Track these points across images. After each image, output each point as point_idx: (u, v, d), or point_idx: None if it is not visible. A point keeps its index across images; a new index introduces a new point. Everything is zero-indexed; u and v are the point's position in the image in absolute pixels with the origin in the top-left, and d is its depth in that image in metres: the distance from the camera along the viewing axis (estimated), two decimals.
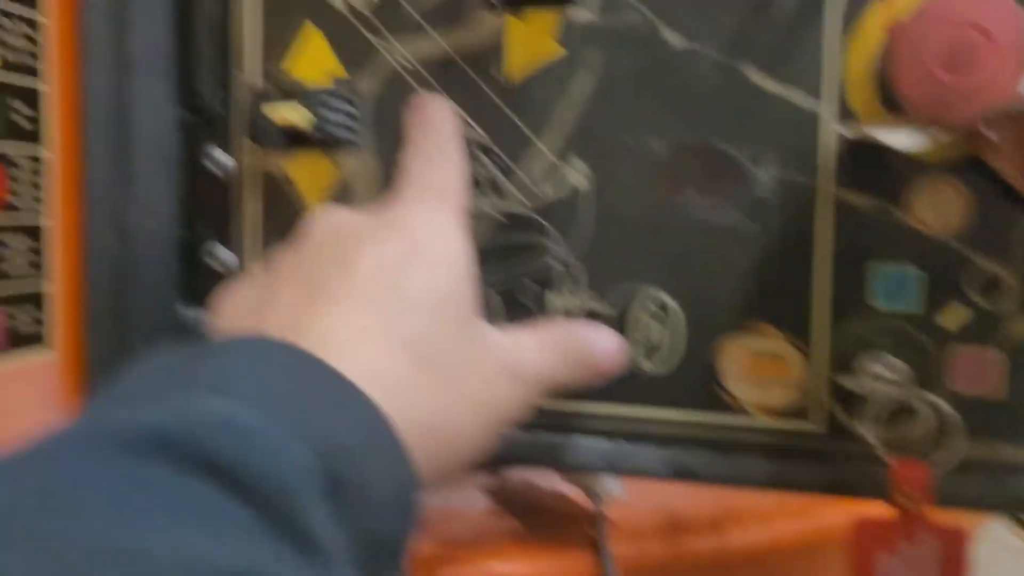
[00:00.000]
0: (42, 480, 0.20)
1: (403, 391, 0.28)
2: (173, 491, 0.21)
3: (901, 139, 0.31)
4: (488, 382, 0.31)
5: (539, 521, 0.46)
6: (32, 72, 0.39)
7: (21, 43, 0.38)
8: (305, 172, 0.41)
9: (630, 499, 0.45)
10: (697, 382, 0.36)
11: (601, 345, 0.35)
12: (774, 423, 0.36)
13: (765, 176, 0.35)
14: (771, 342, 0.36)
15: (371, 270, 0.30)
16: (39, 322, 0.40)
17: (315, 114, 0.38)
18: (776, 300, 0.35)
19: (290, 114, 0.38)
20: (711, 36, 0.35)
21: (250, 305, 0.32)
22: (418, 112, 0.37)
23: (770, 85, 0.35)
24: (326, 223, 0.33)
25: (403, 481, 0.26)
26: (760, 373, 0.36)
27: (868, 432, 0.33)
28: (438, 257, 0.31)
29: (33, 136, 0.39)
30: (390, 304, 0.29)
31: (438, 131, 0.36)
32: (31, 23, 0.39)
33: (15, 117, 0.38)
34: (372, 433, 0.26)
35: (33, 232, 0.39)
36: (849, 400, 0.35)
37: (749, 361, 0.36)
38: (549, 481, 0.51)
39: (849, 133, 0.33)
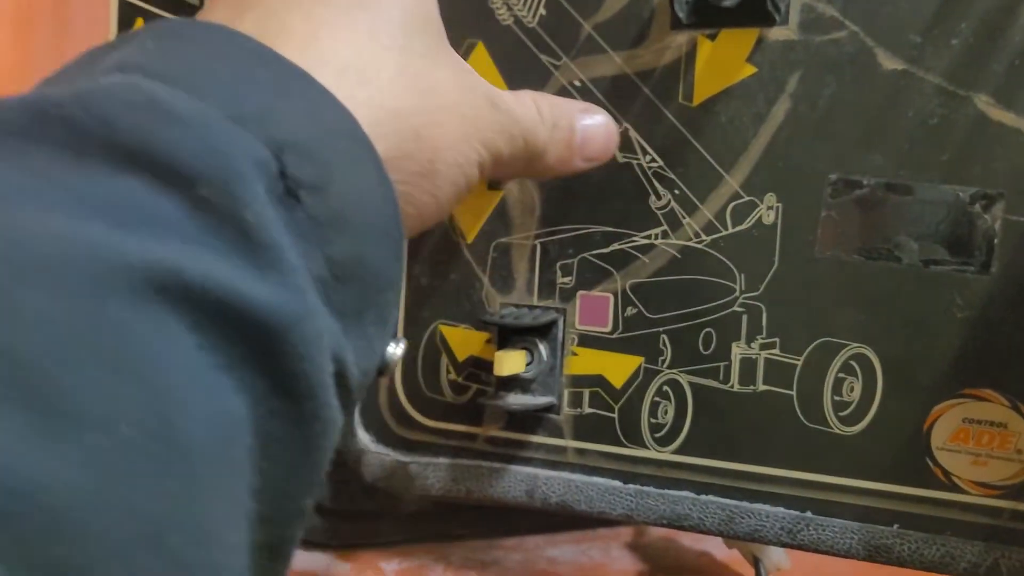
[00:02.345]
0: None
1: (374, 85, 0.23)
2: (69, 175, 0.16)
3: None
4: (471, 100, 0.26)
5: None
6: None
7: None
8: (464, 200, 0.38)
9: (795, 569, 0.41)
10: (901, 450, 0.32)
11: (588, 120, 0.31)
12: (992, 502, 0.31)
13: (995, 220, 0.31)
14: (993, 408, 0.31)
15: None
16: None
17: None
18: (1002, 361, 0.31)
19: None
20: (934, 59, 0.31)
21: None
22: None
23: (1005, 117, 0.30)
24: None
25: (381, 197, 0.21)
26: (977, 444, 0.31)
27: None
28: None
29: None
30: (346, 3, 0.24)
31: None
32: None
33: None
34: (337, 132, 0.20)
35: None
36: None
37: (965, 429, 0.31)
38: (694, 541, 0.47)
39: None
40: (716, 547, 0.45)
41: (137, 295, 0.15)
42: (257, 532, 0.17)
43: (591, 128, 0.32)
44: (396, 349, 0.24)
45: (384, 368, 0.23)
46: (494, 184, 0.37)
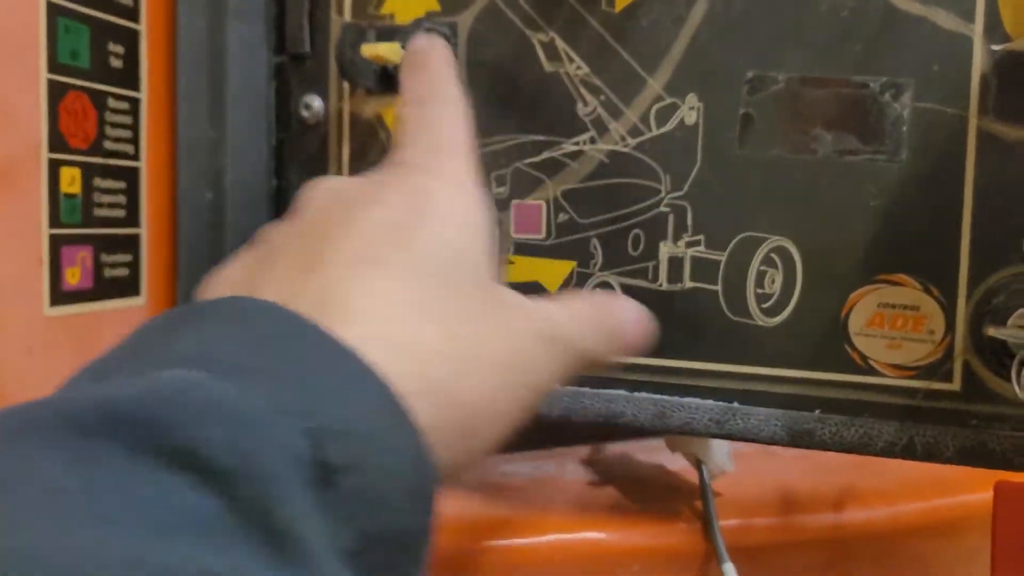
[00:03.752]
0: None
1: (417, 358, 0.24)
2: (122, 479, 0.18)
3: None
4: (517, 346, 0.27)
5: (640, 493, 0.43)
6: (130, 13, 0.38)
7: None
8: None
9: (741, 473, 0.42)
10: (820, 338, 0.33)
11: (629, 316, 0.32)
12: (906, 382, 0.32)
13: (904, 108, 0.31)
14: (906, 292, 0.32)
15: (373, 230, 0.26)
16: (129, 266, 0.39)
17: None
18: (913, 246, 0.32)
19: (382, 51, 0.36)
20: None
21: (240, 285, 0.28)
22: (411, 55, 0.34)
23: (912, 6, 0.31)
24: (321, 191, 0.30)
25: (417, 468, 0.23)
26: (892, 327, 0.32)
27: (1018, 391, 0.30)
28: (448, 215, 0.28)
29: (127, 77, 0.38)
30: (397, 263, 0.26)
31: (433, 75, 0.32)
32: None
33: (110, 58, 0.37)
34: (379, 412, 0.22)
35: (125, 175, 0.39)
36: (994, 356, 0.31)
37: (880, 314, 0.32)
38: (650, 455, 0.48)
39: (1001, 49, 0.30)
40: (669, 460, 0.47)
41: None
42: None
43: (632, 323, 0.32)
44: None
45: None
46: None
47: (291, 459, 0.19)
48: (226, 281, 0.28)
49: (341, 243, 0.26)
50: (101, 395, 0.20)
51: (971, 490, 0.42)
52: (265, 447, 0.19)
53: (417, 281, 0.26)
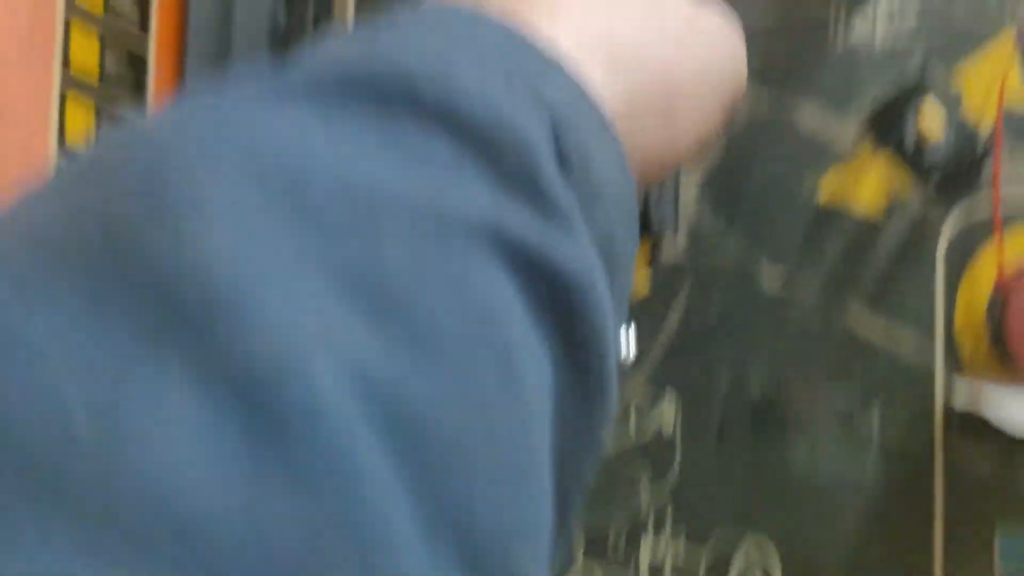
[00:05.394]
0: (219, 110, 0.16)
1: (610, 25, 0.22)
2: (389, 136, 0.17)
3: (1014, 413, 0.30)
4: (713, 47, 0.25)
5: None
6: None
7: None
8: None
9: None
10: None
11: None
12: None
13: (872, 421, 0.35)
14: None
15: None
16: None
17: None
18: (891, 548, 0.34)
19: None
20: (811, 278, 0.35)
21: None
22: None
23: (873, 334, 0.35)
24: None
25: (620, 174, 0.21)
26: None
27: None
28: None
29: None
30: None
31: None
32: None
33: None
34: (590, 113, 0.21)
35: None
36: None
37: None
38: None
39: (958, 404, 0.34)
40: None
41: (475, 247, 0.16)
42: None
43: None
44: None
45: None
46: None
47: (545, 137, 0.18)
48: None
49: None
50: (335, 64, 0.18)
51: None
52: (527, 124, 0.18)
53: None
